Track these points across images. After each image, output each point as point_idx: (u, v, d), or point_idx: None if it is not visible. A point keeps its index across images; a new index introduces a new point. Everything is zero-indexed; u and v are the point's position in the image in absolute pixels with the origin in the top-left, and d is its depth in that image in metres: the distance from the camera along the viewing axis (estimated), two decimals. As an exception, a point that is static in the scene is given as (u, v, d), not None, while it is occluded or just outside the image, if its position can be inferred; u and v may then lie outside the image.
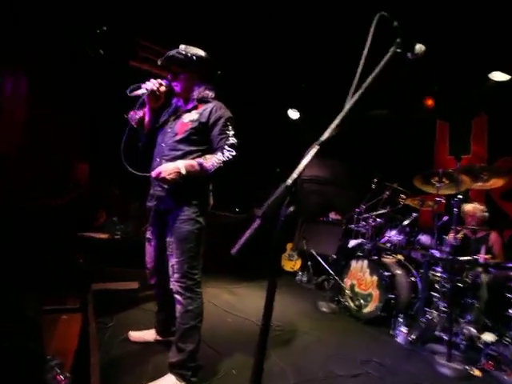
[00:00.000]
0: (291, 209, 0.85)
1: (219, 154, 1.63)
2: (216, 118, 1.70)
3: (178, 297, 1.65)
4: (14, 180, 3.29)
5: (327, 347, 2.44)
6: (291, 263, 4.73)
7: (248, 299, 3.43)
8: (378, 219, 3.61)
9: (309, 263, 4.52)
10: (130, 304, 2.69)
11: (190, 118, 1.75)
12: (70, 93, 3.72)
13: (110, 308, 2.49)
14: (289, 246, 4.84)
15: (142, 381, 1.63)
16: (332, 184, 5.23)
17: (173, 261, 1.66)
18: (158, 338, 2.07)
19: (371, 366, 2.21)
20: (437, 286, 2.89)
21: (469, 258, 2.73)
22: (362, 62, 1.09)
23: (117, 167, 1.73)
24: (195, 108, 1.78)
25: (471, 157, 4.05)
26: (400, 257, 3.46)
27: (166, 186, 1.69)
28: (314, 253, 4.28)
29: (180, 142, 1.72)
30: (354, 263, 3.39)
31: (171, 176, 1.57)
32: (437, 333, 2.65)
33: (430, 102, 4.14)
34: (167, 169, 1.58)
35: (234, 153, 1.64)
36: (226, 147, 1.64)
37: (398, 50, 1.15)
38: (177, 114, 1.83)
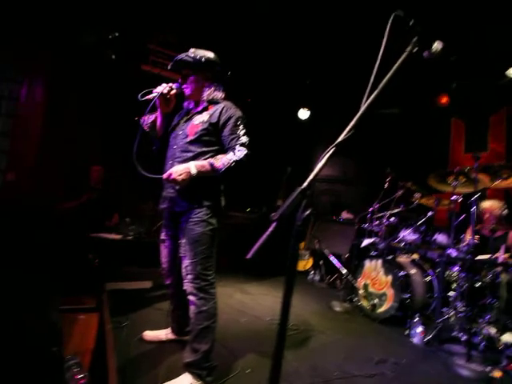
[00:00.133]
0: (307, 212, 0.84)
1: (230, 153, 1.63)
2: (226, 117, 1.70)
3: (191, 298, 1.67)
4: (32, 185, 3.38)
5: (343, 347, 2.42)
6: (303, 262, 4.72)
7: (260, 298, 3.44)
8: (391, 218, 3.55)
9: (321, 262, 4.49)
10: (144, 303, 2.74)
11: (200, 119, 1.75)
12: (84, 97, 3.79)
13: (124, 307, 2.53)
14: (301, 245, 4.82)
15: (157, 380, 1.65)
16: (343, 182, 5.19)
17: (186, 262, 1.67)
18: (173, 337, 2.09)
19: (387, 366, 2.18)
20: (453, 286, 2.84)
21: (487, 257, 2.66)
22: (377, 62, 1.07)
23: (130, 169, 1.76)
24: (206, 109, 1.79)
25: (489, 154, 3.94)
26: (415, 256, 3.40)
27: (177, 187, 1.70)
28: (326, 252, 4.25)
29: (191, 143, 1.73)
30: (367, 263, 3.35)
31: (182, 177, 1.57)
32: (454, 333, 2.60)
33: (444, 100, 4.05)
34: (178, 170, 1.59)
35: (245, 152, 1.63)
36: (237, 147, 1.64)
37: (415, 50, 1.13)
38: (188, 117, 1.84)
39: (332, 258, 4.14)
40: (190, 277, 1.66)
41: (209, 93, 1.80)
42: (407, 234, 3.35)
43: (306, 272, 4.63)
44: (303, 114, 5.27)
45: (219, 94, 1.82)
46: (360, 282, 3.36)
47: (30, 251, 2.41)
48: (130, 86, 2.36)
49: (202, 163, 1.62)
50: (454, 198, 2.82)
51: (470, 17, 2.78)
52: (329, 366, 2.10)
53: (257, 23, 3.41)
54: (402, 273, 3.04)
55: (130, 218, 3.79)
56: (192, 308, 1.67)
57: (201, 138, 1.71)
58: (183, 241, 1.69)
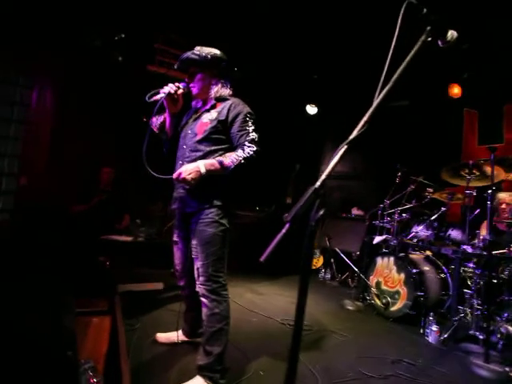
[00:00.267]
0: (321, 212, 0.81)
1: (239, 150, 1.60)
2: (235, 114, 1.68)
3: (203, 300, 1.65)
4: (43, 189, 3.42)
5: (356, 347, 2.38)
6: (313, 260, 4.68)
7: (271, 297, 3.42)
8: (403, 214, 3.48)
9: (331, 260, 4.45)
10: (156, 305, 2.74)
11: (209, 117, 1.73)
12: (92, 99, 3.81)
13: (135, 309, 2.54)
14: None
15: (170, 383, 1.64)
16: (352, 178, 5.12)
17: (198, 264, 1.66)
18: (185, 339, 2.09)
19: (402, 366, 2.14)
20: (469, 283, 2.77)
21: (504, 252, 2.58)
22: (390, 53, 1.03)
23: (140, 170, 1.75)
24: (214, 107, 1.76)
25: (505, 146, 3.82)
26: (428, 253, 3.33)
27: (187, 187, 1.68)
28: (337, 250, 4.20)
29: (200, 142, 1.71)
30: (379, 260, 3.30)
31: (191, 176, 1.55)
32: (471, 332, 2.54)
33: (455, 90, 3.93)
34: (187, 169, 1.57)
35: (254, 148, 1.60)
36: (247, 143, 1.61)
37: (429, 39, 1.08)
38: (196, 115, 1.82)
39: (343, 256, 4.10)
40: (201, 279, 1.65)
41: (216, 90, 1.77)
42: (420, 230, 3.28)
43: (317, 270, 4.59)
44: (311, 109, 5.21)
45: (227, 91, 1.80)
46: (372, 280, 3.31)
47: (42, 254, 2.44)
48: (138, 86, 2.36)
49: (211, 161, 1.59)
50: (468, 191, 2.74)
51: (480, 2, 2.69)
52: (342, 366, 2.07)
53: (263, 19, 3.37)
54: (415, 270, 2.98)
55: (141, 219, 3.81)
56: (204, 310, 1.66)
57: (210, 137, 1.69)
58: (194, 242, 1.67)
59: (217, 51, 1.79)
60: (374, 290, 3.23)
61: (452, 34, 1.12)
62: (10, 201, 3.39)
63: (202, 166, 1.57)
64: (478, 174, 2.77)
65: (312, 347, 2.30)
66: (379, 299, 3.15)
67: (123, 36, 3.54)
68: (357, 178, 5.05)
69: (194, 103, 1.92)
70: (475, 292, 2.61)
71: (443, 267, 3.14)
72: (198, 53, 1.75)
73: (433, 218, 3.22)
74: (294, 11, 3.22)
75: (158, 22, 3.66)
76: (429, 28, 1.09)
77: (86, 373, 1.38)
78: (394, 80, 0.99)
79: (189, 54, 1.77)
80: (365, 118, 0.91)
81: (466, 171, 2.75)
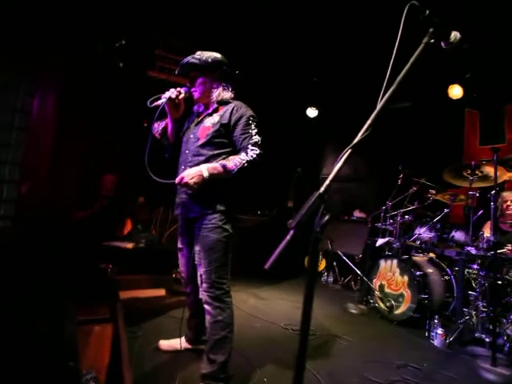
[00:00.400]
0: (326, 218, 0.79)
1: (243, 153, 1.59)
2: (237, 117, 1.66)
3: (207, 307, 1.63)
4: (44, 197, 3.41)
5: (360, 351, 2.36)
6: (316, 264, 4.65)
7: (274, 302, 3.39)
8: (405, 216, 3.46)
9: (334, 263, 4.42)
10: (157, 312, 2.71)
11: (211, 121, 1.72)
12: (94, 106, 3.81)
13: (137, 316, 2.51)
14: (313, 246, 4.75)
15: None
16: (354, 180, 5.10)
17: (201, 270, 1.64)
18: (188, 346, 2.06)
19: (408, 371, 2.11)
20: (474, 285, 2.74)
21: (504, 251, 2.56)
22: (393, 56, 1.02)
23: (142, 175, 1.74)
24: (216, 111, 1.75)
25: (507, 146, 3.80)
26: (431, 255, 3.30)
27: (190, 192, 1.66)
28: (339, 253, 4.17)
29: (203, 146, 1.69)
30: (382, 263, 3.27)
31: (194, 180, 1.53)
32: (477, 334, 2.51)
33: (456, 91, 3.92)
34: (189, 173, 1.55)
35: (258, 151, 1.58)
36: (250, 146, 1.59)
37: (432, 41, 1.08)
38: (198, 119, 1.81)
39: (345, 259, 4.07)
40: (205, 285, 1.63)
41: (218, 93, 1.76)
42: (423, 232, 3.26)
43: (320, 273, 4.56)
44: (311, 112, 5.21)
45: (228, 94, 1.79)
46: (375, 283, 3.28)
47: (44, 262, 2.42)
48: (139, 92, 2.36)
49: (214, 165, 1.57)
50: (471, 192, 2.72)
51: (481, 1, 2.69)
52: (347, 372, 2.04)
53: (263, 22, 3.36)
54: (418, 272, 2.95)
55: (142, 225, 3.80)
56: (208, 318, 1.64)
57: (212, 140, 1.68)
58: (197, 248, 1.65)
59: (217, 55, 1.78)
60: (377, 293, 3.20)
61: (455, 35, 1.12)
62: (11, 208, 3.38)
63: (204, 169, 1.55)
64: (480, 174, 2.76)
65: (316, 352, 2.27)
66: (383, 302, 3.12)
67: (124, 42, 3.54)
68: (358, 180, 5.03)
69: (195, 107, 1.90)
70: (480, 294, 2.58)
71: (447, 269, 3.11)
72: (198, 57, 1.74)
73: (436, 219, 3.20)
74: (294, 13, 3.22)
75: (158, 28, 3.67)
76: (432, 30, 1.08)
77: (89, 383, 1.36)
78: (397, 82, 0.98)
79: (189, 58, 1.76)
80: (369, 122, 0.90)
81: (469, 172, 2.73)
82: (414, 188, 3.52)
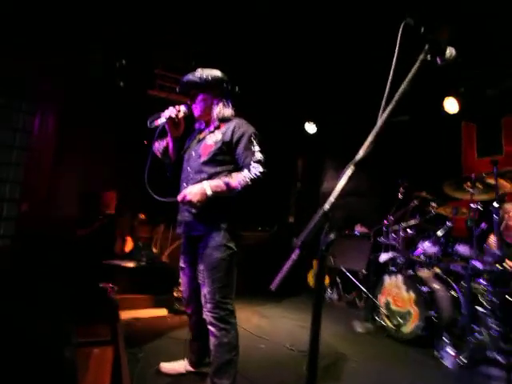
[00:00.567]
0: (332, 236, 0.78)
1: (245, 171, 1.58)
2: (239, 135, 1.67)
3: (211, 328, 1.59)
4: (44, 215, 3.41)
5: (368, 373, 2.28)
6: (319, 280, 4.58)
7: (278, 321, 3.32)
8: (408, 230, 3.43)
9: (337, 280, 4.35)
10: (159, 332, 2.65)
11: (213, 139, 1.73)
12: (94, 124, 3.87)
13: (139, 337, 2.46)
14: (315, 263, 4.69)
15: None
16: (354, 195, 5.09)
17: (204, 290, 1.61)
18: (191, 369, 2.00)
19: (419, 393, 2.04)
20: (482, 300, 2.67)
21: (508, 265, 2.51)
22: (391, 72, 1.03)
23: (142, 192, 1.74)
24: (217, 128, 1.76)
25: (504, 158, 3.83)
26: (437, 270, 3.25)
27: (193, 211, 1.65)
28: (342, 269, 4.11)
29: (205, 164, 1.69)
30: (387, 279, 3.21)
31: (197, 198, 1.52)
32: (489, 353, 2.42)
33: (451, 104, 3.98)
34: (192, 191, 1.54)
35: (261, 169, 1.58)
36: (253, 164, 1.59)
37: (428, 57, 1.10)
38: (200, 137, 1.82)
39: (349, 275, 4.01)
40: (209, 306, 1.59)
41: (218, 110, 1.77)
42: (427, 247, 3.22)
43: (324, 290, 4.48)
44: (310, 128, 5.27)
45: (229, 111, 1.80)
46: (381, 300, 3.21)
47: (43, 283, 2.38)
48: (139, 111, 2.39)
49: (217, 183, 1.57)
50: (473, 205, 2.71)
51: (477, 14, 2.75)
52: (356, 394, 1.97)
53: (261, 39, 3.45)
54: (425, 289, 2.89)
55: (143, 243, 3.77)
56: (212, 340, 1.60)
57: (215, 158, 1.68)
58: (201, 267, 1.63)
59: (217, 72, 1.80)
60: (383, 310, 3.13)
61: (451, 51, 1.14)
62: (11, 227, 3.37)
63: (207, 187, 1.54)
64: (481, 187, 2.75)
65: (321, 373, 2.20)
66: (389, 320, 3.04)
67: (124, 62, 3.63)
68: (358, 195, 5.01)
69: (197, 125, 1.92)
70: (490, 310, 2.51)
71: (453, 284, 3.05)
72: (198, 75, 1.77)
73: (439, 233, 3.17)
74: (293, 29, 3.30)
75: (157, 47, 3.76)
76: (427, 47, 1.11)
77: (88, 410, 1.31)
78: (396, 100, 1.00)
79: (189, 76, 1.79)
80: (370, 139, 0.90)
81: (469, 185, 2.73)
82: (415, 202, 3.51)
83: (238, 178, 1.56)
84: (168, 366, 2.00)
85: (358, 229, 4.56)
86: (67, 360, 1.55)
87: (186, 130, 1.91)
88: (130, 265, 3.23)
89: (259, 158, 1.62)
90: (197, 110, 1.80)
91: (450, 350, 2.45)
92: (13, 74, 3.28)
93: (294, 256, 0.75)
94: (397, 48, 1.08)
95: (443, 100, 3.99)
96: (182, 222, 1.75)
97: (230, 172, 1.66)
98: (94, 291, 2.75)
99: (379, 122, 0.96)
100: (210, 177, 1.65)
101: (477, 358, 2.42)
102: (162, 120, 1.72)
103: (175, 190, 1.78)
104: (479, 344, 2.46)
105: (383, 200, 4.16)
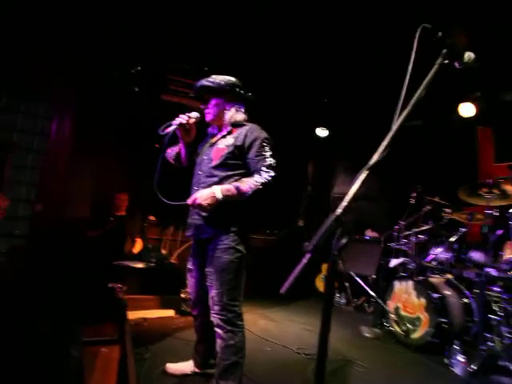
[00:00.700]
0: (344, 241, 0.77)
1: (256, 176, 1.58)
2: (251, 140, 1.67)
3: (218, 330, 1.59)
4: (58, 216, 3.48)
5: (377, 380, 2.24)
6: (327, 284, 4.53)
7: (285, 324, 3.29)
8: (420, 236, 3.37)
9: (346, 284, 4.30)
10: (166, 333, 2.66)
11: (225, 143, 1.73)
12: (109, 128, 3.93)
13: (145, 338, 2.47)
14: (324, 267, 4.65)
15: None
16: (365, 199, 5.03)
17: (212, 292, 1.61)
18: (196, 370, 1.99)
19: (429, 402, 1.99)
20: (495, 308, 2.60)
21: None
22: (407, 78, 1.01)
23: (152, 195, 1.75)
24: (230, 133, 1.77)
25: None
26: (449, 276, 3.18)
27: (203, 214, 1.66)
28: (352, 274, 4.06)
29: (216, 168, 1.70)
30: (397, 284, 3.15)
31: (207, 202, 1.53)
32: (501, 362, 2.36)
33: (467, 109, 3.90)
34: (202, 195, 1.55)
35: (272, 174, 1.58)
36: (264, 168, 1.59)
37: (446, 61, 1.07)
38: (212, 141, 1.83)
39: (358, 280, 3.95)
40: (216, 308, 1.59)
41: (231, 115, 1.78)
42: (439, 253, 3.15)
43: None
44: (321, 132, 5.24)
45: (241, 116, 1.81)
46: (390, 305, 3.16)
47: (55, 281, 2.42)
48: (153, 115, 2.42)
49: (228, 187, 1.57)
50: (488, 211, 2.64)
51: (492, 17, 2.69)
52: (364, 402, 1.94)
53: (274, 44, 3.45)
54: (436, 295, 2.83)
55: (152, 244, 3.80)
56: (219, 342, 1.59)
57: (226, 162, 1.68)
58: (210, 269, 1.63)
59: (231, 78, 1.82)
60: (392, 315, 3.08)
61: (469, 55, 1.11)
62: (25, 227, 3.45)
63: (218, 191, 1.55)
64: (497, 192, 2.68)
65: (330, 379, 2.17)
66: (398, 326, 2.98)
67: (139, 68, 3.68)
68: (370, 199, 4.96)
69: (210, 129, 1.93)
70: (504, 318, 2.44)
71: (466, 291, 2.98)
72: (212, 80, 1.78)
73: (452, 239, 3.10)
74: (305, 35, 3.29)
75: (170, 52, 3.80)
76: (445, 51, 1.08)
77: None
78: (412, 104, 0.98)
79: (203, 81, 1.81)
80: (385, 143, 0.88)
81: (485, 190, 2.66)
82: (428, 207, 3.44)
83: (249, 183, 1.56)
84: (174, 367, 2.00)
85: (369, 233, 4.50)
86: (74, 358, 1.56)
87: (199, 135, 1.92)
88: (139, 266, 3.26)
89: (270, 163, 1.62)
90: (209, 115, 1.81)
91: (461, 358, 2.39)
92: (31, 80, 3.36)
93: (304, 260, 0.74)
94: (413, 52, 1.06)
95: (458, 104, 3.91)
96: (192, 225, 1.75)
97: (241, 176, 1.66)
98: (103, 291, 2.77)
99: (395, 126, 0.94)
100: (221, 180, 1.65)
101: (488, 367, 2.36)
102: (172, 127, 1.74)
103: (187, 194, 1.79)
104: (491, 352, 2.39)
105: (395, 205, 4.10)
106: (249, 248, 1.68)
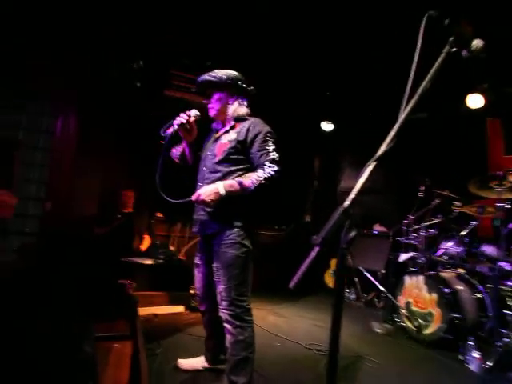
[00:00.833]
0: (353, 234, 0.76)
1: (260, 170, 1.58)
2: (254, 134, 1.66)
3: (227, 326, 1.60)
4: (66, 214, 3.53)
5: (389, 376, 2.21)
6: (336, 280, 4.51)
7: (294, 320, 3.30)
8: (429, 230, 3.32)
9: (355, 279, 4.27)
10: (177, 329, 2.69)
11: (228, 138, 1.73)
12: (113, 124, 3.96)
13: (156, 333, 2.49)
14: (333, 262, 4.63)
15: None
16: (373, 193, 4.98)
17: (220, 288, 1.62)
18: (208, 365, 2.01)
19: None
20: (510, 303, 2.55)
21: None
22: (413, 67, 1.00)
23: (160, 191, 1.77)
24: (233, 128, 1.77)
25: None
26: (460, 270, 3.13)
27: (208, 210, 1.66)
28: (361, 269, 4.04)
29: (219, 163, 1.70)
30: (408, 279, 3.12)
31: (210, 197, 1.54)
32: (518, 359, 2.32)
33: (476, 100, 3.82)
34: (206, 191, 1.56)
35: (275, 168, 1.57)
36: (267, 163, 1.58)
37: (453, 50, 1.05)
38: (216, 137, 1.84)
39: (368, 275, 3.93)
40: (224, 303, 1.60)
41: (233, 109, 1.78)
42: (450, 247, 3.10)
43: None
44: (326, 126, 5.20)
45: (244, 110, 1.80)
46: (401, 300, 3.13)
47: (63, 280, 2.46)
48: (156, 111, 2.43)
49: (231, 183, 1.58)
50: (499, 204, 2.59)
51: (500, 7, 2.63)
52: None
53: (278, 37, 3.42)
54: (448, 290, 2.79)
55: (160, 241, 3.83)
56: (228, 337, 1.60)
57: (229, 157, 1.68)
58: (216, 265, 1.64)
59: (233, 72, 1.81)
60: (403, 311, 3.05)
61: (477, 43, 1.08)
62: (36, 224, 3.51)
63: (221, 187, 1.55)
64: (508, 185, 2.63)
65: (341, 376, 2.16)
66: (410, 321, 2.96)
67: (141, 63, 3.69)
68: (378, 193, 4.91)
69: (213, 125, 1.93)
70: (519, 313, 2.40)
71: (478, 286, 2.93)
72: (214, 74, 1.78)
73: (463, 233, 3.05)
74: (309, 28, 3.26)
75: (173, 48, 3.80)
76: (452, 38, 1.06)
77: (108, 403, 1.34)
78: (419, 93, 0.96)
79: (205, 76, 1.80)
80: (392, 133, 0.87)
81: (496, 183, 2.61)
82: (437, 200, 3.39)
83: (252, 178, 1.55)
84: (185, 363, 2.02)
85: (377, 228, 4.46)
86: (87, 354, 1.58)
87: (204, 131, 1.92)
88: (148, 262, 3.29)
89: (274, 157, 1.60)
90: (213, 110, 1.81)
91: (476, 354, 2.35)
92: (36, 79, 3.41)
93: (313, 253, 0.74)
94: (419, 41, 1.04)
95: (466, 95, 3.83)
96: (198, 221, 1.76)
97: (244, 171, 1.66)
98: (113, 288, 2.81)
99: (401, 116, 0.93)
100: (225, 176, 1.66)
101: (504, 363, 2.31)
102: (174, 128, 1.75)
103: (192, 190, 1.80)
104: (507, 348, 2.35)
105: (403, 199, 4.04)
106: (255, 243, 1.68)
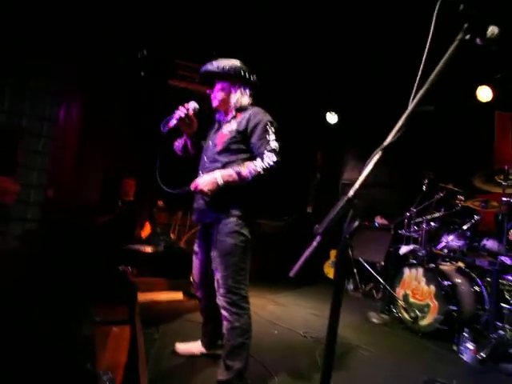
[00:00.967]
0: (356, 224, 0.75)
1: (258, 160, 1.56)
2: (254, 124, 1.64)
3: (224, 312, 1.61)
4: (68, 202, 3.53)
5: (383, 364, 2.25)
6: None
7: (292, 309, 3.33)
8: (431, 223, 3.31)
9: (355, 270, 4.29)
10: (175, 315, 2.71)
11: (228, 128, 1.72)
12: (116, 113, 3.92)
13: (155, 319, 2.52)
14: (332, 253, 4.64)
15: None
16: (375, 185, 4.95)
17: (218, 275, 1.62)
18: (204, 351, 2.03)
19: (436, 388, 1.99)
20: (507, 297, 2.57)
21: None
22: (425, 54, 0.96)
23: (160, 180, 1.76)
24: (234, 118, 1.75)
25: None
26: (460, 264, 3.13)
27: (206, 199, 1.66)
28: (361, 260, 4.05)
29: (220, 153, 1.69)
30: (407, 271, 3.13)
31: (208, 187, 1.54)
32: (511, 350, 2.34)
33: (485, 92, 3.74)
34: (204, 181, 1.56)
35: (274, 158, 1.54)
36: (266, 152, 1.56)
37: (467, 37, 1.01)
38: (218, 127, 1.83)
39: (367, 266, 3.94)
40: (221, 291, 1.60)
41: (236, 99, 1.76)
42: (451, 240, 3.10)
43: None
44: (331, 118, 5.13)
45: (246, 100, 1.78)
46: (399, 292, 3.14)
47: (66, 263, 2.47)
48: (160, 100, 2.40)
49: (229, 172, 1.57)
50: (504, 199, 2.57)
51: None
52: (370, 385, 1.95)
53: (281, 28, 3.35)
54: (446, 282, 2.80)
55: (161, 229, 3.84)
56: (225, 324, 1.61)
57: (229, 147, 1.67)
58: (214, 253, 1.64)
59: (235, 61, 1.78)
60: (401, 302, 3.07)
61: (493, 30, 1.03)
62: (38, 211, 3.52)
63: (219, 176, 1.55)
64: (514, 180, 2.60)
65: (336, 364, 2.17)
66: (407, 312, 2.98)
67: (146, 53, 3.63)
68: (380, 186, 4.88)
69: (217, 116, 1.92)
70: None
71: (477, 279, 2.93)
72: (216, 64, 1.76)
73: (465, 227, 3.04)
74: (314, 20, 3.19)
75: (177, 37, 3.72)
76: (466, 25, 1.01)
77: (106, 385, 1.35)
78: (430, 82, 0.92)
79: (208, 66, 1.78)
80: (401, 122, 0.84)
81: (502, 177, 2.58)
82: (441, 194, 3.36)
83: (249, 168, 1.54)
84: (183, 347, 2.05)
85: (378, 220, 4.45)
86: (86, 337, 1.60)
87: (208, 121, 1.90)
88: (149, 249, 3.31)
89: (273, 147, 1.58)
90: (216, 100, 1.79)
91: (470, 345, 2.38)
92: (39, 66, 3.35)
93: (315, 243, 0.72)
94: (432, 28, 0.99)
95: (474, 88, 3.76)
96: (197, 210, 1.77)
97: (244, 161, 1.64)
98: (114, 274, 2.83)
99: (411, 105, 0.89)
100: (224, 166, 1.64)
101: (497, 355, 2.35)
102: (173, 122, 1.73)
103: (194, 179, 1.80)
104: (501, 340, 2.37)
105: (405, 192, 4.02)
106: (254, 233, 1.67)
